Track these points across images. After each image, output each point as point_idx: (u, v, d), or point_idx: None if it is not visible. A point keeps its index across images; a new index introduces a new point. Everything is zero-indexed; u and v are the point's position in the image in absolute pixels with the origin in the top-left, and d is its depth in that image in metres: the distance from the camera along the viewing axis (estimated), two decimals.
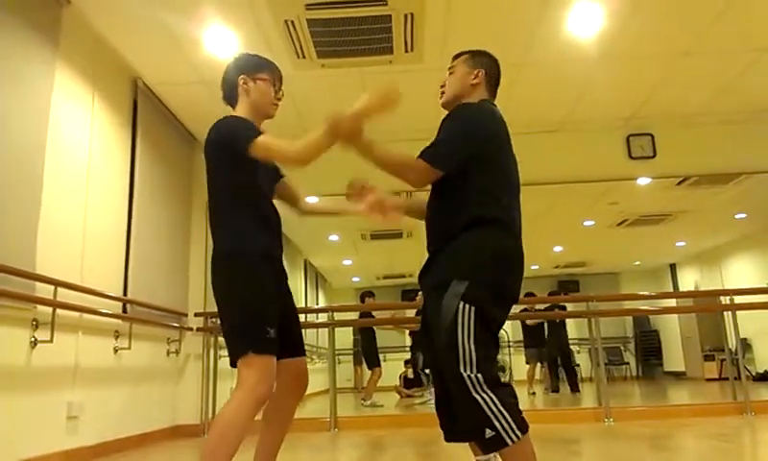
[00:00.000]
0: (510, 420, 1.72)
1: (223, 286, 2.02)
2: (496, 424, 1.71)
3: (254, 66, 2.18)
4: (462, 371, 1.75)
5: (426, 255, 2.04)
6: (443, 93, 2.16)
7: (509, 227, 1.94)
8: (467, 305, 1.80)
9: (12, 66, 3.14)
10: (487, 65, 2.15)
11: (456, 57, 2.20)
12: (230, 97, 2.19)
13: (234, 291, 1.99)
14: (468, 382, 1.74)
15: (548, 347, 8.90)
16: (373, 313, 7.36)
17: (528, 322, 8.71)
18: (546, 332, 8.95)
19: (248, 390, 1.88)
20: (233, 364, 1.96)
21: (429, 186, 2.13)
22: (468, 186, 1.92)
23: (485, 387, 1.74)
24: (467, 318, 1.80)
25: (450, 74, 2.17)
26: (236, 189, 2.04)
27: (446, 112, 2.07)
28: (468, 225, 1.89)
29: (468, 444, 1.98)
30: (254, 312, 1.95)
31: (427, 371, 7.73)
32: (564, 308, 8.84)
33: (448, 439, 1.98)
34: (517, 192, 2.03)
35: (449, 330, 1.80)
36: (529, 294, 8.64)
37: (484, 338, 1.81)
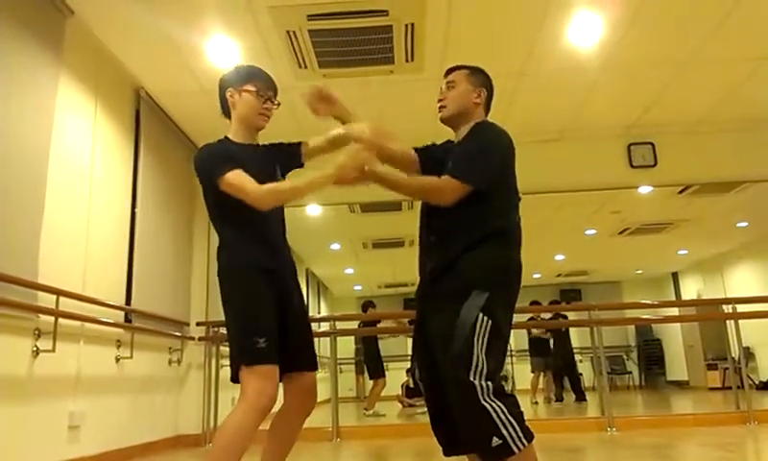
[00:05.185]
0: (517, 428, 1.74)
1: (222, 300, 2.08)
2: (504, 432, 1.72)
3: (240, 78, 2.17)
4: (471, 379, 1.76)
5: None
6: (442, 107, 2.14)
7: (519, 241, 1.99)
8: (485, 317, 1.82)
9: (15, 76, 3.16)
10: (487, 85, 2.16)
11: (452, 70, 2.18)
12: (224, 111, 2.22)
13: (229, 304, 2.04)
14: (479, 390, 1.75)
15: (554, 357, 8.91)
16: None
17: (534, 331, 8.68)
18: (552, 343, 8.94)
19: (249, 402, 1.89)
20: (234, 378, 1.97)
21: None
22: (486, 199, 1.93)
23: (492, 396, 1.75)
24: (484, 329, 1.82)
25: (450, 88, 2.13)
26: (224, 207, 2.07)
27: (444, 125, 2.12)
28: (487, 236, 1.91)
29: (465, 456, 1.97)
30: (245, 324, 1.98)
31: None
32: (566, 317, 8.83)
33: (448, 452, 1.97)
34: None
35: (465, 340, 1.80)
36: (535, 302, 8.66)
37: (496, 350, 1.83)
